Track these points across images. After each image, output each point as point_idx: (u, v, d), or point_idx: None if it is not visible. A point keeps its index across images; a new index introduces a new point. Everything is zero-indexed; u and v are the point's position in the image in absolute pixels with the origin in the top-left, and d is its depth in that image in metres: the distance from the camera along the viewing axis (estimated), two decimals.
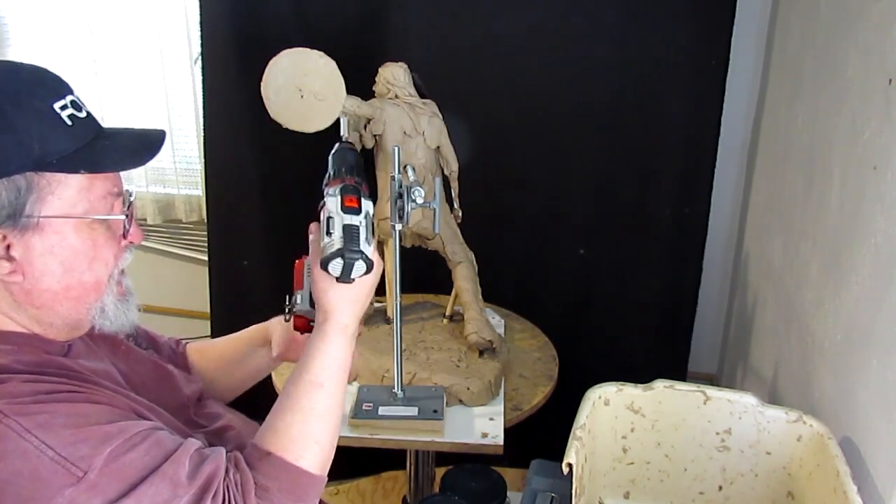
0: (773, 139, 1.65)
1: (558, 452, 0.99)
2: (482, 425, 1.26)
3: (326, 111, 1.24)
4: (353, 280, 0.84)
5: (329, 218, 0.85)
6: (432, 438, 1.23)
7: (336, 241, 0.83)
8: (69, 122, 0.75)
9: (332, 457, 0.85)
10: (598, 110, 1.73)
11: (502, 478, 1.39)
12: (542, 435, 1.42)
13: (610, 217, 1.82)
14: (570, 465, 0.95)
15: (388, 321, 1.52)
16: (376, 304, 1.56)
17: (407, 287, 1.44)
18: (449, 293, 1.55)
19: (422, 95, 1.40)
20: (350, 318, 0.87)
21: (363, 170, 0.94)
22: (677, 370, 1.89)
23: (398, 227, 1.17)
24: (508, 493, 1.37)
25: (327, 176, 0.93)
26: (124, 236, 0.81)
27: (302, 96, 1.22)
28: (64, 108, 0.75)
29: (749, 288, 1.73)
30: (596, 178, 1.79)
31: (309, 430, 0.81)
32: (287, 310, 0.97)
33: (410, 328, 1.52)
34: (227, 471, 0.76)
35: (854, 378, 1.04)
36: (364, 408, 1.24)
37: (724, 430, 1.09)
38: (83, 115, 0.77)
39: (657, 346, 1.89)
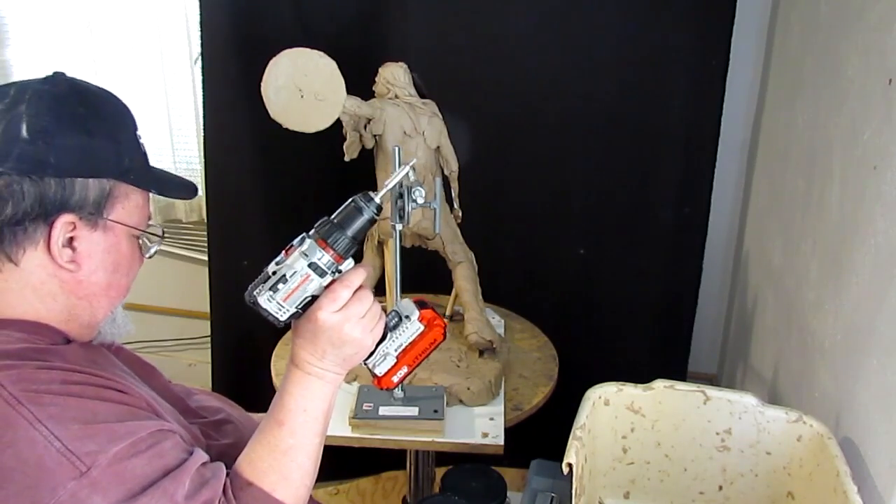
0: (773, 139, 1.65)
1: (558, 452, 0.99)
2: (482, 425, 1.27)
3: (327, 111, 1.24)
4: (279, 325, 0.83)
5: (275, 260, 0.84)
6: (432, 438, 1.23)
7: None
8: (143, 150, 0.87)
9: (308, 493, 0.85)
10: (598, 110, 1.73)
11: (502, 478, 1.39)
12: (542, 435, 1.42)
13: (610, 217, 1.82)
14: (570, 465, 0.95)
15: None
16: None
17: (407, 287, 1.44)
18: (449, 293, 1.55)
19: (422, 95, 1.40)
20: (301, 360, 0.84)
21: (355, 237, 0.84)
22: (677, 370, 1.89)
23: (398, 227, 1.17)
24: (508, 493, 1.36)
25: (325, 219, 0.85)
26: (142, 254, 0.89)
27: (302, 96, 1.22)
28: (140, 136, 0.87)
29: (749, 288, 1.73)
30: (596, 178, 1.79)
31: (276, 466, 0.83)
32: None
33: None
34: (218, 501, 0.77)
35: (854, 378, 1.04)
36: (364, 408, 1.24)
37: (724, 430, 1.09)
38: (145, 145, 0.88)
39: (657, 346, 1.89)
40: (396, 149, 1.15)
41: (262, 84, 1.21)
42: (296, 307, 0.82)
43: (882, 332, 0.95)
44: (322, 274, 0.82)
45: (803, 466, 1.05)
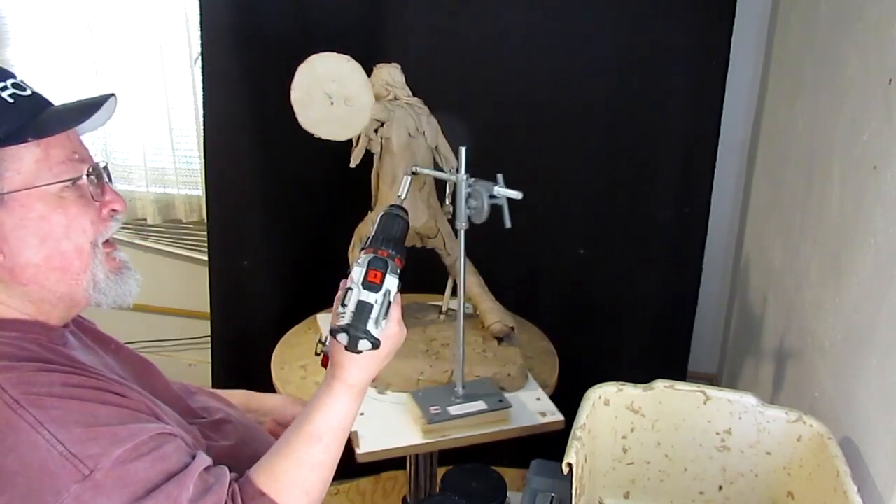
0: (773, 139, 1.65)
1: (558, 452, 0.99)
2: (535, 406, 1.31)
3: (356, 117, 1.21)
4: (361, 352, 0.84)
5: (349, 289, 0.84)
6: (500, 428, 1.25)
7: (347, 314, 0.83)
8: (11, 100, 0.76)
9: None
10: (598, 110, 1.73)
11: (502, 478, 1.39)
12: (542, 435, 1.42)
13: (610, 217, 1.82)
14: (570, 465, 0.95)
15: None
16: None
17: (406, 288, 1.44)
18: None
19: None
20: (358, 379, 0.87)
21: (404, 240, 0.91)
22: (677, 370, 1.89)
23: (464, 226, 1.17)
24: (508, 493, 1.36)
25: (366, 238, 0.90)
26: (93, 198, 0.81)
27: (332, 103, 1.19)
28: (3, 89, 0.77)
29: (749, 288, 1.73)
30: (596, 178, 1.79)
31: (301, 480, 0.83)
32: (318, 349, 0.98)
33: (414, 330, 1.51)
34: None
35: (854, 378, 1.04)
36: (433, 411, 1.24)
37: (724, 430, 1.09)
38: (27, 93, 0.79)
39: (657, 346, 1.89)
40: (463, 149, 1.14)
41: (292, 92, 1.18)
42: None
43: (882, 332, 0.95)
44: (399, 287, 0.87)
45: (803, 466, 1.05)
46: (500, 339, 1.45)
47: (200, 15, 1.72)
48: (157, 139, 2.20)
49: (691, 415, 1.10)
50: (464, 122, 1.46)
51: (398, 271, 0.87)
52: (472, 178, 1.12)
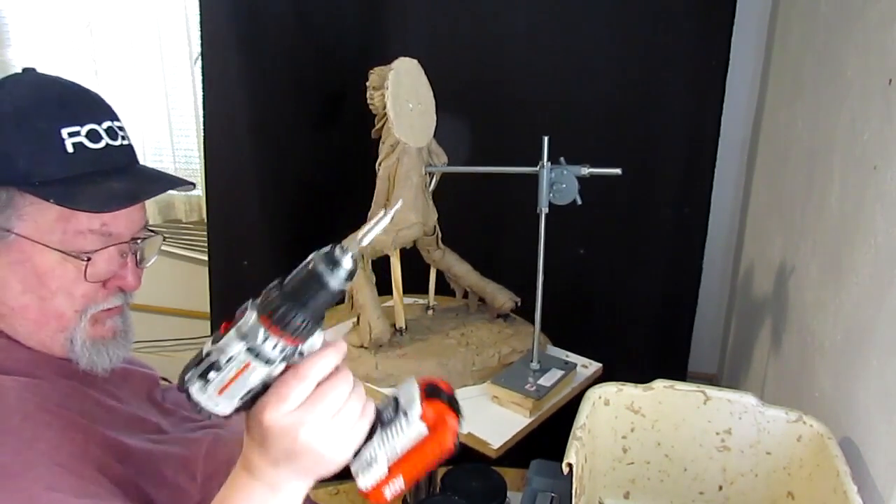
0: (773, 139, 1.65)
1: (558, 452, 0.99)
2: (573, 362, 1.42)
3: (429, 120, 1.20)
4: (218, 417, 0.62)
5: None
6: (571, 387, 1.36)
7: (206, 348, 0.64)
8: (70, 150, 0.72)
9: None
10: (598, 110, 1.73)
11: (502, 478, 1.39)
12: (542, 435, 1.42)
13: (610, 217, 1.82)
14: (570, 465, 0.95)
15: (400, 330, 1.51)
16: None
17: (404, 289, 1.44)
18: (447, 292, 1.55)
19: None
20: (251, 457, 0.63)
21: (317, 313, 0.60)
22: (677, 370, 1.89)
23: (545, 211, 1.21)
24: (508, 493, 1.36)
25: (276, 283, 0.62)
26: (87, 278, 0.74)
27: (412, 109, 1.19)
28: (74, 134, 0.72)
29: (749, 288, 1.73)
30: (596, 178, 1.79)
31: None
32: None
33: (421, 333, 1.50)
34: None
35: (854, 378, 1.04)
36: (531, 389, 1.28)
37: (724, 430, 1.09)
38: (98, 146, 0.74)
39: (657, 346, 1.89)
40: (546, 139, 1.18)
41: (388, 103, 1.16)
42: (239, 400, 0.61)
43: (882, 332, 0.95)
44: (269, 362, 0.60)
45: (803, 466, 1.05)
46: (504, 317, 1.52)
47: (200, 15, 1.73)
48: (157, 139, 2.21)
49: (691, 415, 1.10)
50: (463, 121, 1.46)
51: (266, 342, 0.60)
52: (554, 165, 1.14)
